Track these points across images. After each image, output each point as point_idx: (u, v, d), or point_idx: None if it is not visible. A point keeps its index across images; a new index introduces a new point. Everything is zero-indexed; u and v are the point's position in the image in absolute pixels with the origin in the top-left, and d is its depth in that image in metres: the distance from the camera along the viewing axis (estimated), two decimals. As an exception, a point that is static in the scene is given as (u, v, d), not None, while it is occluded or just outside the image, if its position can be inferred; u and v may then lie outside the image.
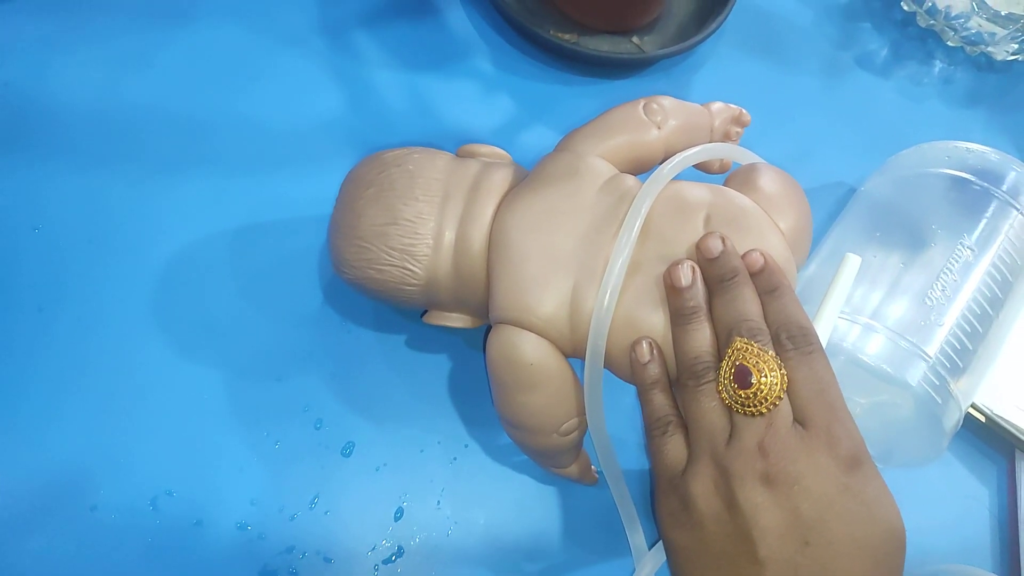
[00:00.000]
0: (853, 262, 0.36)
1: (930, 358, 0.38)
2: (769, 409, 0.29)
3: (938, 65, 0.61)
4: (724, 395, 0.30)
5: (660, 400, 0.32)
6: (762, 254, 0.32)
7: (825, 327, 0.34)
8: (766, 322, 0.31)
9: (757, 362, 0.30)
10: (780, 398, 0.29)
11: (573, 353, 0.34)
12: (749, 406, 0.29)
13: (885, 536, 0.28)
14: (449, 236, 0.36)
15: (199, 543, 0.37)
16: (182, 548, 0.37)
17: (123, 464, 0.38)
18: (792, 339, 0.31)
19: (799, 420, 0.29)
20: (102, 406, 0.39)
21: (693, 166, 0.37)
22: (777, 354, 0.30)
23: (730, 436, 0.30)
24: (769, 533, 0.28)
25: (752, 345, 0.30)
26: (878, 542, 0.28)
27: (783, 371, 0.30)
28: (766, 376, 0.29)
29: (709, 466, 0.30)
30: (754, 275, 0.32)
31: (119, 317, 0.41)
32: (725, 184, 0.37)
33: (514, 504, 0.41)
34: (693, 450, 0.31)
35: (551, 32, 0.52)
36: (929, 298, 0.40)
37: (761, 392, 0.29)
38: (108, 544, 0.37)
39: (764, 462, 0.28)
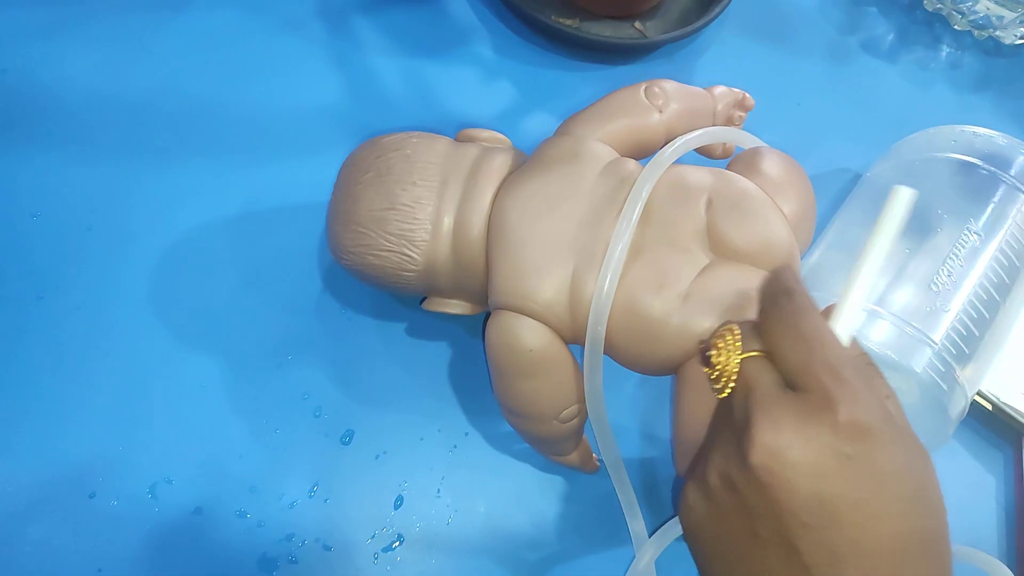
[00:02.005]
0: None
1: (936, 344, 0.38)
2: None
3: (945, 49, 0.60)
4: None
5: None
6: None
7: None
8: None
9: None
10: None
11: (573, 339, 0.34)
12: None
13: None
14: (448, 221, 0.35)
15: (198, 531, 0.37)
16: (181, 535, 0.37)
17: (122, 451, 0.38)
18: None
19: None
20: (101, 394, 0.39)
21: (695, 151, 0.36)
22: (761, 322, 0.27)
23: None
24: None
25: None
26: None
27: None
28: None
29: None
30: None
31: (118, 305, 0.41)
32: (728, 168, 0.37)
33: (514, 492, 0.40)
34: None
35: (552, 17, 0.52)
36: (935, 284, 0.39)
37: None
38: (107, 532, 0.36)
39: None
